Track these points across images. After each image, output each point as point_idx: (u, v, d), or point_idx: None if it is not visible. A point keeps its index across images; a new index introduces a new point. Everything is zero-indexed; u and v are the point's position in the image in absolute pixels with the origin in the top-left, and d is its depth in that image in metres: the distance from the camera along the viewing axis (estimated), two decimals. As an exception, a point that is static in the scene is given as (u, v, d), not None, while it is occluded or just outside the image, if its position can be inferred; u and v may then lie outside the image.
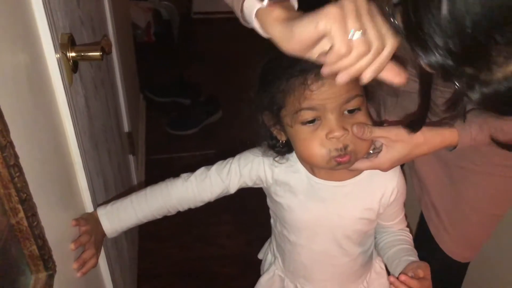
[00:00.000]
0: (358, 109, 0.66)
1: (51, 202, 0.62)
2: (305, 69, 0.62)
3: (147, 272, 1.64)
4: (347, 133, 0.64)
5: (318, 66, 0.61)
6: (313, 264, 0.86)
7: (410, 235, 0.86)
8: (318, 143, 0.65)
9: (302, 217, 0.80)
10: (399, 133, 0.70)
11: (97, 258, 0.78)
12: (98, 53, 0.81)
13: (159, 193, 0.82)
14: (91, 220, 0.79)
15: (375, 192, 0.77)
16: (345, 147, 0.65)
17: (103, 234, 0.81)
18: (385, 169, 0.72)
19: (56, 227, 0.60)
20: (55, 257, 0.55)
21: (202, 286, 1.64)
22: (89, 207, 0.85)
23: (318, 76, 0.61)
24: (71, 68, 0.77)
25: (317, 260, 0.85)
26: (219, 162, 0.83)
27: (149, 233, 1.74)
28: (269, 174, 0.79)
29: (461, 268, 1.08)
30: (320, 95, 0.62)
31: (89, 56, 0.80)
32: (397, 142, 0.69)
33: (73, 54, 0.76)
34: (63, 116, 0.74)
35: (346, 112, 0.65)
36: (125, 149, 1.52)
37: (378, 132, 0.68)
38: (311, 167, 0.76)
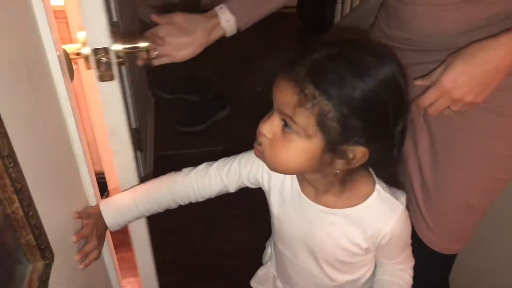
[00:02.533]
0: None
1: (51, 194, 0.63)
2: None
3: (156, 267, 1.66)
4: (263, 134, 0.64)
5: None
6: (298, 277, 0.84)
7: (410, 279, 0.81)
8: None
9: (288, 231, 0.78)
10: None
11: (100, 251, 0.80)
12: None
13: (160, 188, 0.83)
14: (94, 214, 0.80)
15: (365, 229, 0.72)
16: (260, 143, 0.65)
17: (106, 227, 0.83)
18: (447, 87, 0.72)
19: (56, 218, 0.61)
20: (54, 247, 0.56)
21: (210, 279, 1.65)
22: (92, 200, 0.86)
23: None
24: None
25: (301, 275, 0.83)
26: (222, 160, 0.82)
27: (156, 228, 1.75)
28: (266, 180, 0.78)
29: (447, 259, 1.04)
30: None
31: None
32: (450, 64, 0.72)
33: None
34: (64, 110, 0.75)
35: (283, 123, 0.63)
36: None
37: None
38: (300, 185, 0.75)
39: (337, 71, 0.57)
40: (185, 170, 0.84)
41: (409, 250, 0.79)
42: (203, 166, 0.83)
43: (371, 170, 0.72)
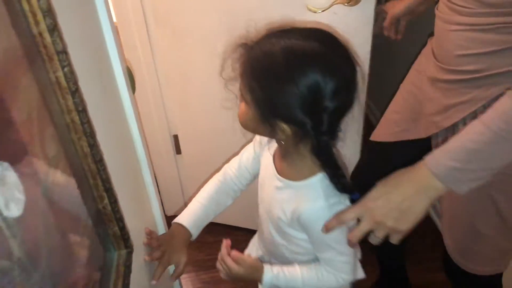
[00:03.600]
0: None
1: (126, 193, 0.73)
2: None
3: (205, 263, 1.76)
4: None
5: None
6: (260, 228, 0.97)
7: (329, 279, 0.83)
8: None
9: (260, 186, 0.91)
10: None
11: (184, 264, 0.89)
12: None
13: (212, 186, 0.95)
14: (165, 236, 0.91)
15: (292, 204, 0.79)
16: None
17: (184, 240, 0.92)
18: (368, 205, 0.73)
19: (130, 213, 0.71)
20: (132, 238, 0.66)
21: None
22: (152, 198, 0.96)
23: None
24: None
25: (261, 229, 0.95)
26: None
27: (206, 229, 1.86)
28: (257, 146, 0.92)
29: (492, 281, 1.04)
30: None
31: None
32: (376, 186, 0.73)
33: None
34: (128, 119, 0.85)
35: None
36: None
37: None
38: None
39: (267, 54, 0.67)
40: (225, 167, 0.97)
41: (331, 255, 0.80)
42: (234, 159, 0.96)
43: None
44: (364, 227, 0.72)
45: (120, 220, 0.60)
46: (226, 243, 0.89)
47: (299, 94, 0.64)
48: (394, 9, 1.18)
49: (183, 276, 1.71)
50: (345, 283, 0.84)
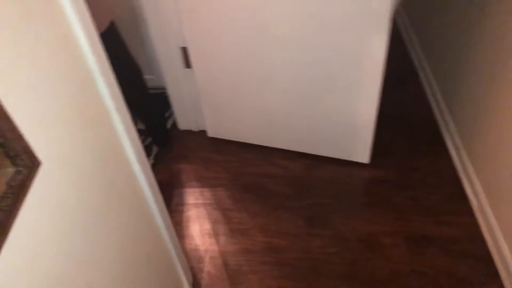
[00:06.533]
0: None
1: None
2: None
3: (211, 181, 1.78)
4: None
5: None
6: None
7: None
8: None
9: None
10: None
11: None
12: None
13: None
14: None
15: None
16: None
17: None
18: None
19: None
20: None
21: (259, 200, 1.73)
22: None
23: None
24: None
25: None
26: None
27: (216, 147, 1.86)
28: None
29: None
30: None
31: None
32: None
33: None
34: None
35: None
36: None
37: None
38: None
39: None
40: None
41: None
42: None
43: None
44: None
45: None
46: None
47: None
48: None
49: (188, 193, 1.75)
50: None
